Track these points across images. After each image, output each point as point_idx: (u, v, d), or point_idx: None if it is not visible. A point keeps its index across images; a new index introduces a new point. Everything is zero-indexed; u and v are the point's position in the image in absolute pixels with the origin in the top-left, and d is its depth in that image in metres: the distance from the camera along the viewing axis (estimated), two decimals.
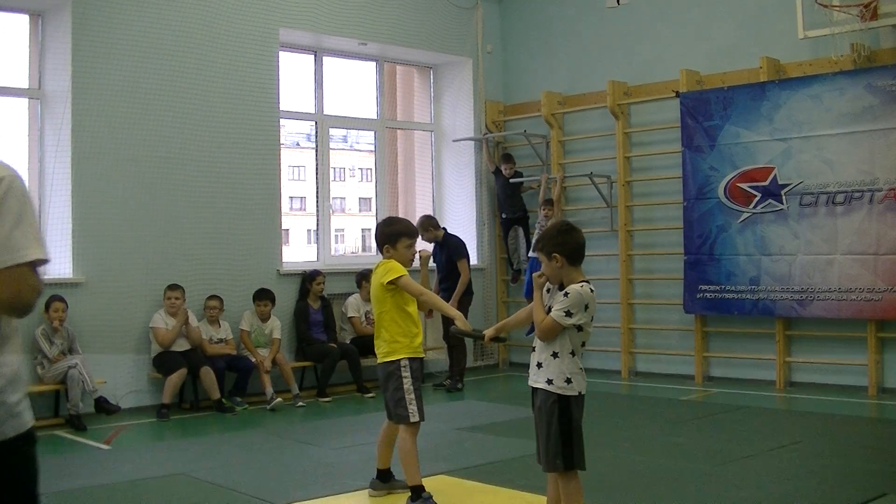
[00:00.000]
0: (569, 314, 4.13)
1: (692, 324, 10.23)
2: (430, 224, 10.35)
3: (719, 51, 10.21)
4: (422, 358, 5.36)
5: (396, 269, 5.20)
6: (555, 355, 4.20)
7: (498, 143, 12.18)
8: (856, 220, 8.93)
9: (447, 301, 10.21)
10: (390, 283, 5.18)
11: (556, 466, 4.22)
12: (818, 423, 7.69)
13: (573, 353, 4.19)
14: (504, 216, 11.75)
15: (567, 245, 4.23)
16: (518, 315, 4.68)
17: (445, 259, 10.34)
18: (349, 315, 10.13)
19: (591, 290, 4.19)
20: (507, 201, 11.66)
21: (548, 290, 4.33)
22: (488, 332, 4.68)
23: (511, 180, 11.50)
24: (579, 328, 4.18)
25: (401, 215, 11.88)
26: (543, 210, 10.56)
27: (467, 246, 10.77)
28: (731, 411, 8.33)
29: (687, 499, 5.35)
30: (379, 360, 5.33)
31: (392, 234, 5.34)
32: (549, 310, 4.22)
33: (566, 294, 4.17)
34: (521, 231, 11.53)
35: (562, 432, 4.18)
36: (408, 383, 5.19)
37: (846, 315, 9.05)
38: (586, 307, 4.16)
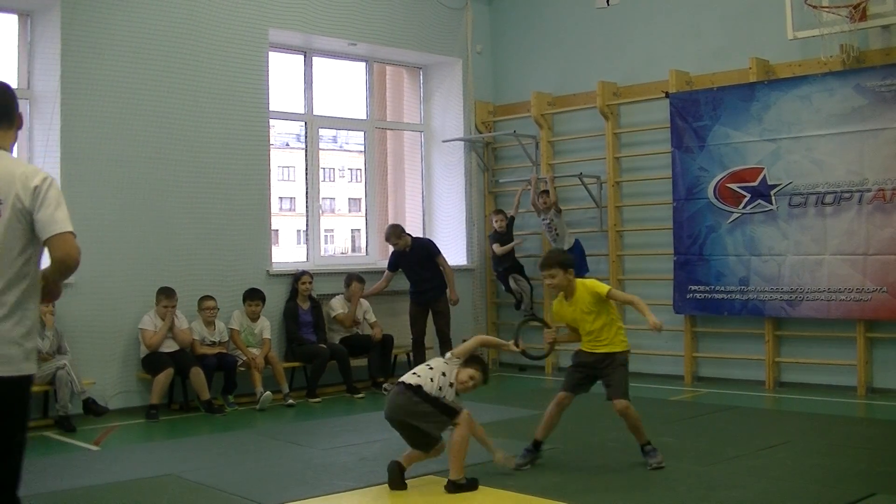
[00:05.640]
0: None
1: (682, 324, 10.24)
2: (403, 232, 10.40)
3: (709, 51, 10.23)
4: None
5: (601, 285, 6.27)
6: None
7: (487, 143, 12.18)
8: (845, 221, 8.96)
9: (444, 298, 10.27)
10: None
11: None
12: (807, 423, 7.71)
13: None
14: (501, 269, 11.19)
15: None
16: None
17: (417, 261, 10.29)
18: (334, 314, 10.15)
19: None
20: (502, 256, 11.08)
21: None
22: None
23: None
24: None
25: (391, 216, 11.95)
26: (541, 199, 10.64)
27: (453, 246, 10.81)
28: (721, 411, 8.35)
29: (676, 498, 5.35)
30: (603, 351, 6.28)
31: None
32: None
33: None
34: (519, 276, 11.18)
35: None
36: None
37: (835, 315, 9.08)
38: None
